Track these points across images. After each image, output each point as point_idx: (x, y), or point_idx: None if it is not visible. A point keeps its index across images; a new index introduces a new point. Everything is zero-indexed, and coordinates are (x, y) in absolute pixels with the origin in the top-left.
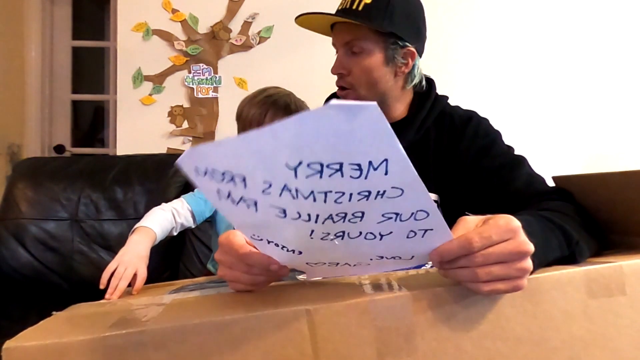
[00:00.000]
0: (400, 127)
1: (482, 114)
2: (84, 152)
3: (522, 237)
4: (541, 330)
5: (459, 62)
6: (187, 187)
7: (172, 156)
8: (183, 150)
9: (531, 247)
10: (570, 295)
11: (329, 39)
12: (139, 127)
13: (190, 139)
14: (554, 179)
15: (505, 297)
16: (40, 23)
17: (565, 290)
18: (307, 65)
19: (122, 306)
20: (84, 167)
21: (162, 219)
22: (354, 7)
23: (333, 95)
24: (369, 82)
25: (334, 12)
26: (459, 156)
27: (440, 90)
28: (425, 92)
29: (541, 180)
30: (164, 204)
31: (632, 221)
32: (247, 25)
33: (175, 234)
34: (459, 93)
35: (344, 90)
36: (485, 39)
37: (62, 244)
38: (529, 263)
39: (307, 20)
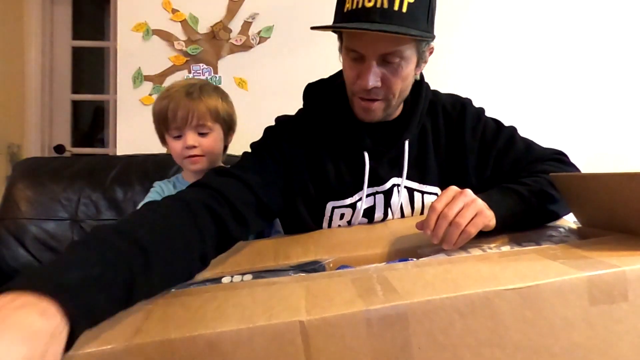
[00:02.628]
0: (401, 124)
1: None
2: (84, 152)
3: (462, 190)
4: (540, 337)
5: (459, 62)
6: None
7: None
8: None
9: (472, 195)
10: (571, 302)
11: (329, 39)
12: (139, 127)
13: None
14: (552, 177)
15: (504, 304)
16: (40, 23)
17: (566, 298)
18: (307, 65)
19: None
20: (84, 167)
21: None
22: (396, 8)
23: (310, 89)
24: (402, 91)
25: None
26: (466, 146)
27: (444, 90)
28: (416, 87)
29: (534, 145)
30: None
31: (632, 222)
32: (247, 25)
33: None
34: (461, 92)
35: (373, 101)
36: (486, 38)
37: (62, 244)
38: (479, 202)
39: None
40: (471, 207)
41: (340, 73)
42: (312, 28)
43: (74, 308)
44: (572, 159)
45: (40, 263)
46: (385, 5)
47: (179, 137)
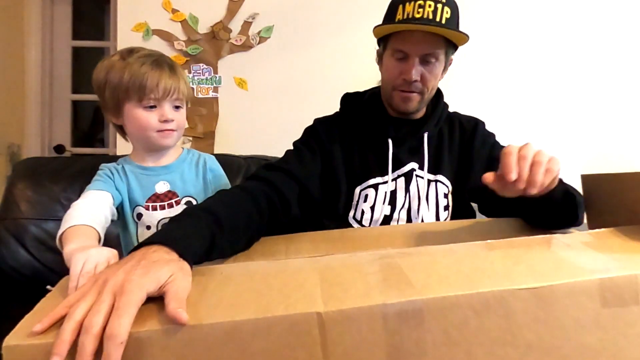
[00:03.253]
0: (422, 122)
1: (484, 115)
2: (84, 152)
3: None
4: (552, 338)
5: (460, 62)
6: None
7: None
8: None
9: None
10: (583, 304)
11: (329, 39)
12: None
13: (190, 139)
14: (583, 177)
15: (518, 304)
16: (40, 23)
17: (578, 300)
18: (307, 65)
19: None
20: (84, 167)
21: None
22: (438, 19)
23: (347, 96)
24: (433, 88)
25: (344, 13)
26: (473, 154)
27: (445, 91)
28: (434, 97)
29: None
30: (78, 202)
31: None
32: (247, 25)
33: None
34: (461, 94)
35: (412, 93)
36: (487, 39)
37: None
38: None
39: (386, 29)
40: (542, 151)
41: (371, 89)
42: (376, 27)
43: (180, 248)
44: (573, 159)
45: (40, 263)
46: (430, 17)
47: (151, 107)
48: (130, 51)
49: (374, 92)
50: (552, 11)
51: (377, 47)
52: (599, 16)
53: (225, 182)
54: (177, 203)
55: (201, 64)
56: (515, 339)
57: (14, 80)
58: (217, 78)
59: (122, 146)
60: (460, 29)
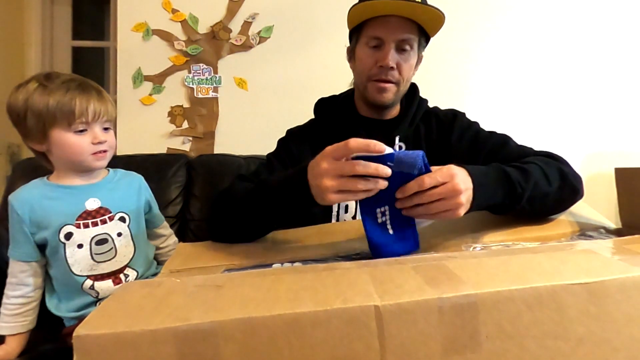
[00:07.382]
0: (396, 123)
1: (485, 114)
2: None
3: (458, 180)
4: (602, 331)
5: (460, 62)
6: (187, 187)
7: (172, 156)
8: (183, 150)
9: (462, 188)
10: (634, 299)
11: (329, 39)
12: (139, 127)
13: (190, 139)
14: (617, 170)
15: (571, 298)
16: (40, 23)
17: (630, 294)
18: (307, 65)
19: (178, 288)
20: None
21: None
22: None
23: (321, 102)
24: (407, 80)
25: (343, 13)
26: (452, 148)
27: (437, 88)
28: (409, 94)
29: (529, 148)
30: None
31: None
32: (247, 25)
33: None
34: (456, 91)
35: (389, 83)
36: (485, 38)
37: None
38: (462, 200)
39: (371, 5)
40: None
41: (345, 91)
42: (354, 6)
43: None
44: (570, 158)
45: None
46: None
47: (81, 131)
48: (48, 76)
49: (347, 95)
50: (551, 9)
51: (348, 45)
52: (596, 13)
53: (154, 201)
54: (111, 219)
55: (201, 64)
56: (566, 333)
57: (14, 81)
58: (217, 78)
59: (122, 147)
60: (463, 29)
